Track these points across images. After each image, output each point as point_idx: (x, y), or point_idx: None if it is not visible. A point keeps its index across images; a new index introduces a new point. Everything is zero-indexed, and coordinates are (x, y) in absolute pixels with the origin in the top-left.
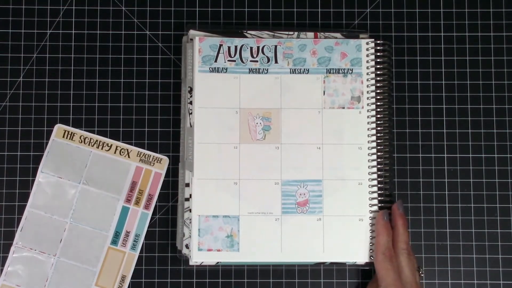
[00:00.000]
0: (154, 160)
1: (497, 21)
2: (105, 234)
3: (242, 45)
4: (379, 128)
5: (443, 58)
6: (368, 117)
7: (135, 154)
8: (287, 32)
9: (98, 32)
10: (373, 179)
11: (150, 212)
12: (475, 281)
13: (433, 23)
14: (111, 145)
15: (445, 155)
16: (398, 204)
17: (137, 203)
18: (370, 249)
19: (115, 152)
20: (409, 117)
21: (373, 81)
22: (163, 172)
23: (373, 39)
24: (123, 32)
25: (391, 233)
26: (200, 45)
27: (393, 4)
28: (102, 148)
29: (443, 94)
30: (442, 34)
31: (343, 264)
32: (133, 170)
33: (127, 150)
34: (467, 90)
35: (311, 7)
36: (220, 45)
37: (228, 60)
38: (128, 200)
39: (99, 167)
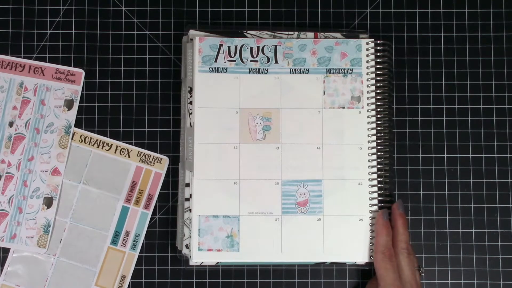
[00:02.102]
0: (154, 160)
1: (497, 21)
2: (105, 234)
3: (242, 45)
4: (379, 128)
5: (443, 58)
6: (368, 117)
7: (135, 154)
8: (287, 32)
9: (98, 32)
10: (373, 179)
11: (150, 212)
12: (475, 281)
13: (433, 23)
14: (111, 144)
15: (445, 155)
16: (398, 204)
17: (137, 203)
18: (370, 249)
19: (115, 152)
20: (409, 117)
21: (373, 81)
22: (163, 172)
23: (373, 39)
24: (123, 32)
25: (390, 233)
26: (200, 45)
27: (393, 4)
28: (102, 148)
29: (443, 94)
30: (442, 34)
31: (343, 264)
32: (133, 170)
33: (127, 150)
34: (467, 90)
35: (311, 7)
36: (220, 45)
37: (228, 60)
38: (128, 200)
39: (99, 167)
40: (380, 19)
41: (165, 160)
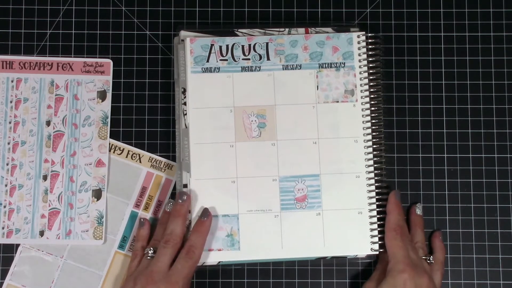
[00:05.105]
0: (165, 167)
1: (497, 21)
2: (113, 238)
3: (234, 43)
4: (374, 121)
5: (443, 58)
6: (362, 109)
7: (146, 159)
8: (278, 29)
9: (98, 32)
10: (370, 172)
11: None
12: (475, 281)
13: (433, 23)
14: (123, 149)
15: (445, 155)
16: (396, 193)
17: (146, 208)
18: (371, 241)
19: (126, 157)
20: (409, 117)
21: (365, 74)
22: (174, 179)
23: (363, 32)
24: (123, 32)
25: (402, 212)
26: (192, 46)
27: (393, 4)
28: (114, 152)
29: (443, 94)
30: (442, 34)
31: (344, 257)
32: (143, 175)
33: (139, 155)
34: (467, 90)
35: (311, 7)
36: (212, 45)
37: (220, 60)
38: (137, 205)
39: (110, 170)
40: (380, 19)
41: (176, 167)
